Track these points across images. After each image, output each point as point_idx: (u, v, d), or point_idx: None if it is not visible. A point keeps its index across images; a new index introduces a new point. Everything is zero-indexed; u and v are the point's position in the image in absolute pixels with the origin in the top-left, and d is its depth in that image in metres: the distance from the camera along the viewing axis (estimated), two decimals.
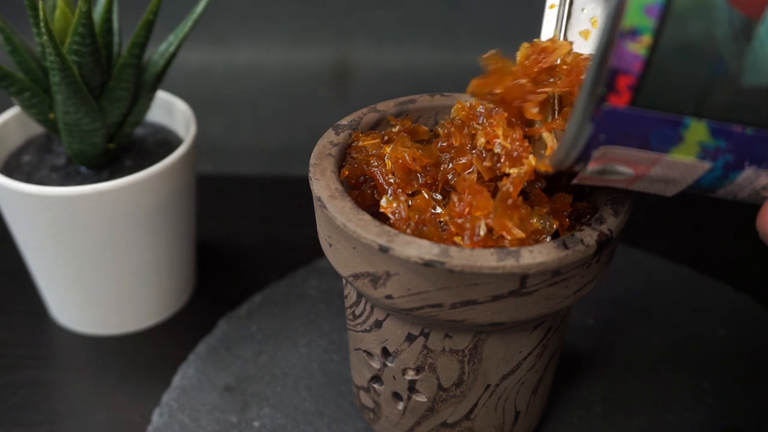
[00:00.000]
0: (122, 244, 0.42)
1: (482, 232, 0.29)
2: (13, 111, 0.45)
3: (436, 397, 0.34)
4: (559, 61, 0.33)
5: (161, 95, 0.47)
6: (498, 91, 0.30)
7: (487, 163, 0.30)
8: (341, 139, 0.34)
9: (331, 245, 0.31)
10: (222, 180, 0.59)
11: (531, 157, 0.29)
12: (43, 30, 0.36)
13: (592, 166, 0.25)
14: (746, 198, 0.27)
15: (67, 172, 0.43)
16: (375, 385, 0.36)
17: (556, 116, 0.30)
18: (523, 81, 0.30)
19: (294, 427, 0.39)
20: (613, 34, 0.22)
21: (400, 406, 0.35)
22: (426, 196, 0.31)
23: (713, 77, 0.23)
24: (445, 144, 0.33)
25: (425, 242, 0.28)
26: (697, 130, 0.24)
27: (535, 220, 0.30)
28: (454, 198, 0.30)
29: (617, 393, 0.41)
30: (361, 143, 0.34)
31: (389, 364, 0.34)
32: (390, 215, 0.30)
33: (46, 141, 0.45)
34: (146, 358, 0.44)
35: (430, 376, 0.33)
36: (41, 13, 0.36)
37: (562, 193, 0.31)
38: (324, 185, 0.31)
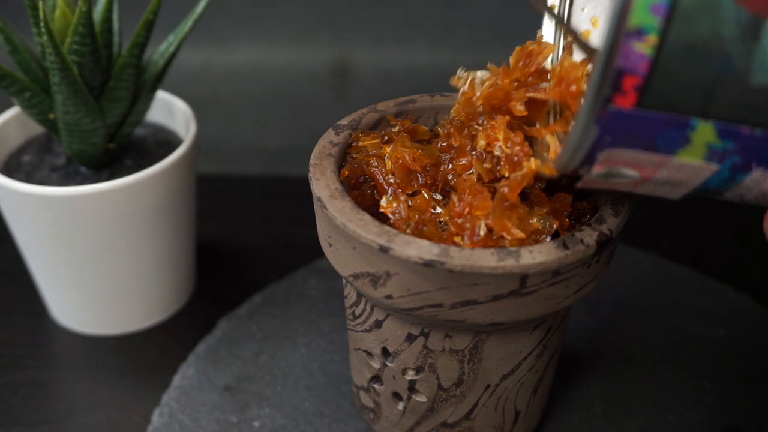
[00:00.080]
0: (122, 244, 0.42)
1: (482, 232, 0.29)
2: (13, 111, 0.45)
3: (436, 397, 0.34)
4: (550, 64, 0.33)
5: (161, 95, 0.47)
6: (478, 101, 0.30)
7: (487, 165, 0.30)
8: (341, 139, 0.34)
9: (331, 245, 0.31)
10: (222, 180, 0.59)
11: (532, 160, 0.29)
12: (43, 30, 0.36)
13: (596, 170, 0.25)
14: (753, 200, 0.27)
15: (67, 172, 0.43)
16: (375, 385, 0.36)
17: (557, 118, 0.30)
18: (500, 83, 0.30)
19: (294, 427, 0.39)
20: (619, 33, 0.21)
21: (400, 406, 0.35)
22: (426, 196, 0.31)
23: (720, 77, 0.22)
24: (445, 144, 0.33)
25: (425, 242, 0.28)
26: (705, 132, 0.23)
27: (534, 220, 0.30)
28: (454, 198, 0.30)
29: (617, 393, 0.41)
30: (361, 143, 0.34)
31: (389, 364, 0.34)
32: (390, 215, 0.30)
33: (46, 141, 0.45)
34: (146, 358, 0.44)
35: (430, 376, 0.33)
36: (41, 13, 0.36)
37: (562, 193, 0.31)
38: (324, 185, 0.31)
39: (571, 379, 0.42)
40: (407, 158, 0.32)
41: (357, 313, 0.34)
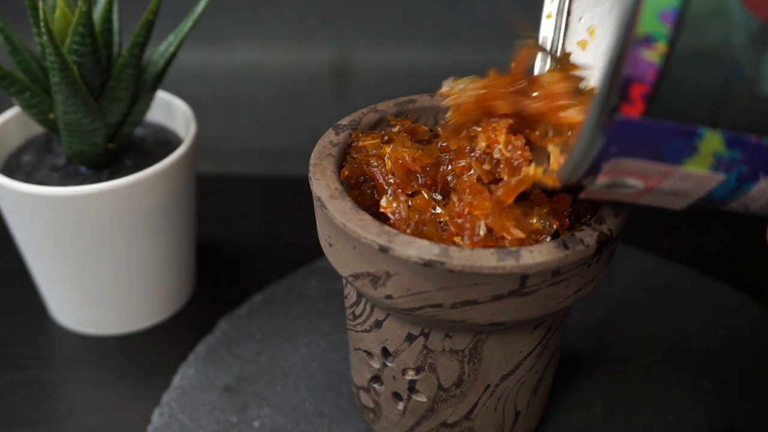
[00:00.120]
0: (122, 244, 0.42)
1: (482, 232, 0.29)
2: (13, 111, 0.45)
3: (436, 397, 0.34)
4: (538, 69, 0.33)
5: (161, 95, 0.47)
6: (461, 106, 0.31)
7: (486, 167, 0.30)
8: (341, 139, 0.34)
9: (331, 245, 0.31)
10: (222, 180, 0.59)
11: (532, 166, 0.29)
12: (43, 30, 0.36)
13: (601, 180, 0.25)
14: (758, 210, 0.26)
15: (67, 172, 0.43)
16: (375, 385, 0.36)
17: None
18: (483, 91, 0.30)
19: (294, 427, 0.39)
20: (627, 41, 0.21)
21: (400, 406, 0.35)
22: (426, 196, 0.31)
23: (730, 85, 0.22)
24: (444, 144, 0.33)
25: (425, 242, 0.28)
26: (712, 141, 0.23)
27: (534, 220, 0.30)
28: (454, 198, 0.30)
29: (617, 393, 0.41)
30: (361, 143, 0.34)
31: (389, 364, 0.34)
32: (390, 215, 0.30)
33: (46, 141, 0.45)
34: (146, 358, 0.44)
35: (430, 376, 0.33)
36: (41, 13, 0.36)
37: (562, 193, 0.31)
38: (324, 185, 0.31)
39: (571, 379, 0.42)
40: (407, 158, 0.32)
41: (357, 313, 0.34)
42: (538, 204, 0.31)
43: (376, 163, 0.32)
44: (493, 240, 0.29)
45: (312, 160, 0.33)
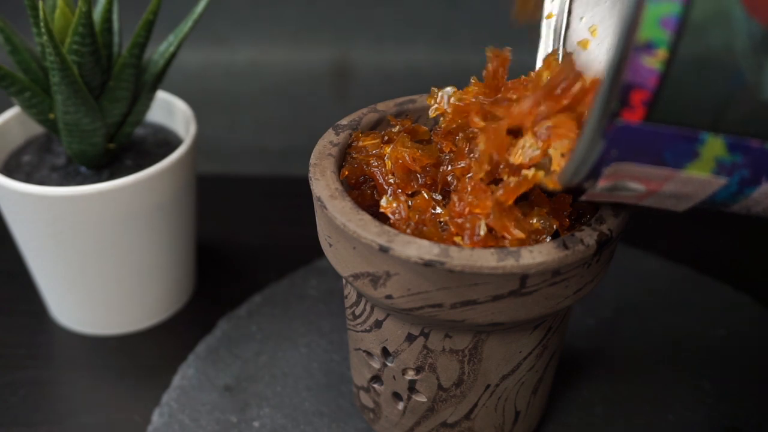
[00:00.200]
0: (122, 244, 0.42)
1: (482, 232, 0.29)
2: (13, 111, 0.45)
3: (436, 397, 0.34)
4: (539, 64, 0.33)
5: (161, 95, 0.47)
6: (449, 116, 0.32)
7: (486, 167, 0.30)
8: (341, 139, 0.34)
9: (331, 245, 0.31)
10: (222, 180, 0.59)
11: (532, 168, 0.29)
12: (43, 30, 0.36)
13: (602, 184, 0.25)
14: (760, 212, 0.26)
15: (67, 172, 0.43)
16: (375, 385, 0.36)
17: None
18: (458, 104, 0.31)
19: (294, 427, 0.39)
20: (627, 47, 0.21)
21: (400, 406, 0.35)
22: (426, 196, 0.31)
23: (731, 91, 0.22)
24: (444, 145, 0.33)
25: (425, 242, 0.28)
26: (714, 146, 0.23)
27: (534, 221, 0.30)
28: (454, 198, 0.30)
29: (617, 393, 0.41)
30: (361, 143, 0.34)
31: (389, 364, 0.34)
32: (390, 215, 0.30)
33: (46, 141, 0.45)
34: (146, 358, 0.44)
35: (430, 376, 0.33)
36: (41, 13, 0.36)
37: (562, 193, 0.31)
38: (324, 185, 0.31)
39: (571, 379, 0.42)
40: (407, 158, 0.32)
41: (357, 313, 0.34)
42: (538, 204, 0.31)
43: (376, 163, 0.32)
44: (493, 240, 0.29)
45: (312, 160, 0.33)
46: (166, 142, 0.46)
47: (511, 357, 0.33)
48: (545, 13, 0.34)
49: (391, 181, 0.32)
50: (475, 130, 0.32)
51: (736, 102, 0.22)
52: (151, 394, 0.41)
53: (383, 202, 0.31)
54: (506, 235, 0.29)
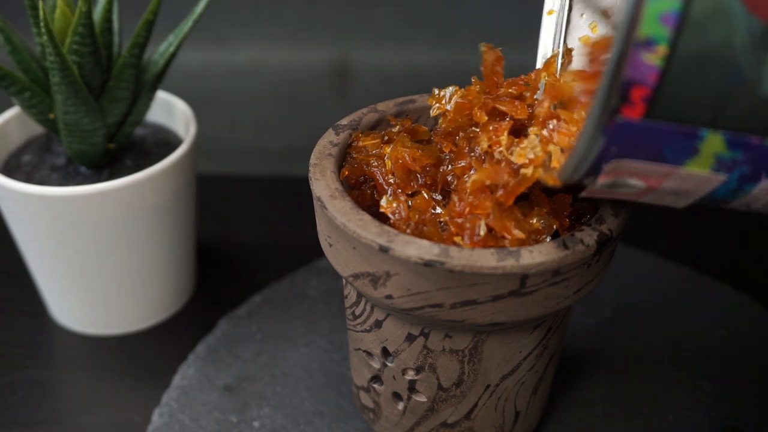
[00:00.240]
0: (122, 244, 0.42)
1: (482, 232, 0.29)
2: (13, 111, 0.45)
3: (436, 397, 0.34)
4: (540, 64, 0.33)
5: (161, 95, 0.47)
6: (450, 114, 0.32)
7: (486, 166, 0.30)
8: (341, 139, 0.34)
9: (331, 245, 0.31)
10: (222, 180, 0.59)
11: (531, 166, 0.29)
12: (43, 30, 0.36)
13: (602, 180, 0.25)
14: (760, 209, 0.26)
15: (67, 172, 0.43)
16: (375, 385, 0.36)
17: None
18: (461, 101, 0.31)
19: (294, 427, 0.39)
20: (627, 44, 0.21)
21: (400, 406, 0.35)
22: (426, 196, 0.31)
23: (731, 88, 0.22)
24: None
25: (425, 242, 0.28)
26: (714, 142, 0.23)
27: (534, 221, 0.30)
28: (455, 198, 0.30)
29: (617, 393, 0.41)
30: (361, 143, 0.34)
31: (389, 364, 0.34)
32: (390, 215, 0.30)
33: (46, 141, 0.45)
34: (146, 358, 0.44)
35: (430, 376, 0.33)
36: (41, 13, 0.36)
37: (562, 193, 0.31)
38: (324, 185, 0.31)
39: (571, 379, 0.42)
40: (407, 158, 0.32)
41: (357, 313, 0.34)
42: (538, 204, 0.31)
43: (376, 163, 0.32)
44: (493, 240, 0.29)
45: (312, 160, 0.33)
46: (166, 142, 0.46)
47: (511, 357, 0.33)
48: (546, 9, 0.34)
49: (391, 181, 0.32)
50: (476, 129, 0.32)
51: (736, 98, 0.22)
52: (151, 394, 0.41)
53: (383, 202, 0.31)
54: (506, 235, 0.29)
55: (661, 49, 0.21)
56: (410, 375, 0.34)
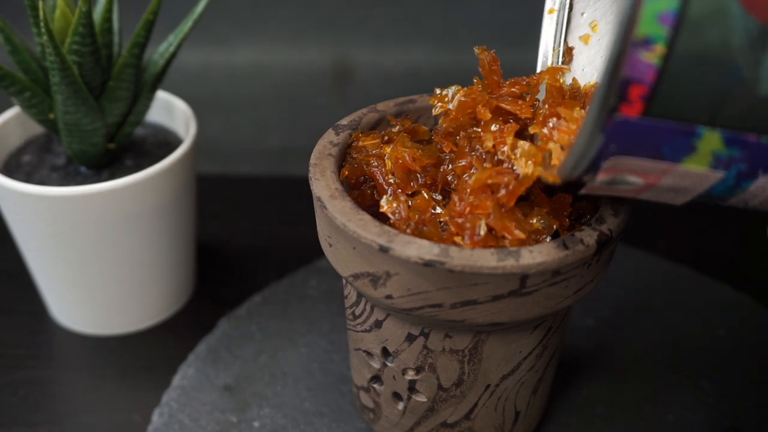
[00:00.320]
0: (122, 244, 0.42)
1: (482, 232, 0.29)
2: (13, 111, 0.45)
3: (436, 397, 0.34)
4: (541, 67, 0.33)
5: (161, 95, 0.47)
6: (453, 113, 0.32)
7: (487, 165, 0.31)
8: (341, 139, 0.34)
9: (331, 245, 0.31)
10: (222, 180, 0.59)
11: (530, 165, 0.29)
12: (43, 30, 0.36)
13: (601, 177, 0.25)
14: (757, 206, 0.26)
15: (67, 172, 0.43)
16: (375, 385, 0.36)
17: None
18: (464, 99, 0.31)
19: (294, 427, 0.39)
20: (626, 43, 0.21)
21: (400, 406, 0.35)
22: (426, 196, 0.31)
23: (728, 87, 0.22)
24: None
25: (425, 242, 0.28)
26: (711, 140, 0.23)
27: (535, 221, 0.30)
28: (455, 198, 0.30)
29: (617, 393, 0.41)
30: (361, 143, 0.34)
31: (389, 364, 0.34)
32: (390, 215, 0.30)
33: (46, 141, 0.45)
34: (146, 358, 0.44)
35: (430, 376, 0.33)
36: (41, 13, 0.36)
37: (562, 193, 0.31)
38: (324, 185, 0.31)
39: (571, 379, 0.42)
40: (407, 158, 0.32)
41: (357, 313, 0.34)
42: (538, 204, 0.31)
43: (376, 163, 0.32)
44: (493, 240, 0.29)
45: (312, 160, 0.33)
46: (166, 142, 0.46)
47: (511, 357, 0.33)
48: (546, 8, 0.34)
49: (391, 181, 0.32)
50: (477, 129, 0.32)
51: (733, 97, 0.22)
52: (151, 394, 0.41)
53: (383, 202, 0.31)
54: (506, 235, 0.29)
55: (659, 48, 0.21)
56: (410, 375, 0.34)
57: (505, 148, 0.30)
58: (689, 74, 0.22)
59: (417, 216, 0.30)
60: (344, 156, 0.34)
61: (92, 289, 0.43)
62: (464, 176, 0.31)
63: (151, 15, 0.41)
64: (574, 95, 0.32)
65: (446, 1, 0.70)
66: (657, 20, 0.21)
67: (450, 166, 0.32)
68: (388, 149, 0.33)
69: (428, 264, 0.28)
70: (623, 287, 0.48)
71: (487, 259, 0.27)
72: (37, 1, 0.38)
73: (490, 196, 0.29)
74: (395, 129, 0.35)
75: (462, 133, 0.32)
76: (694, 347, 0.44)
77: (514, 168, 0.29)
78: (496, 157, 0.31)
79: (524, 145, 0.29)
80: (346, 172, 0.33)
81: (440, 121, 0.33)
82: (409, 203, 0.31)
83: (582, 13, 0.34)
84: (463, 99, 0.32)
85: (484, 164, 0.31)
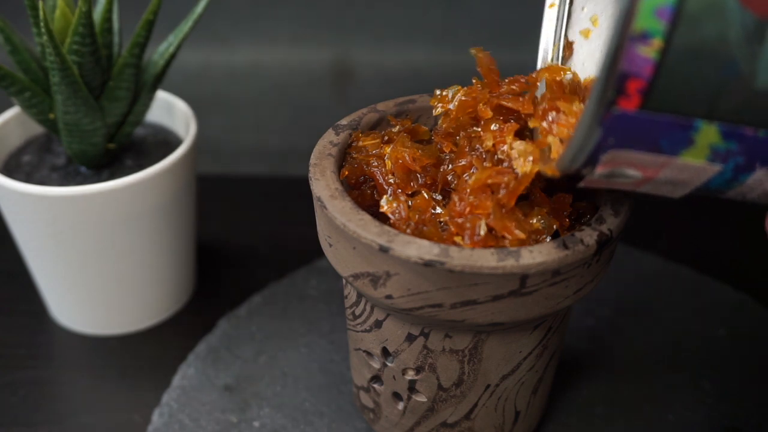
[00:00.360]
0: (122, 244, 0.42)
1: (482, 232, 0.29)
2: (13, 111, 0.45)
3: (436, 397, 0.34)
4: (541, 64, 0.33)
5: (161, 95, 0.47)
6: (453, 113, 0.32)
7: (487, 164, 0.31)
8: (341, 139, 0.34)
9: (331, 245, 0.31)
10: (222, 180, 0.59)
11: (529, 163, 0.29)
12: (43, 30, 0.36)
13: (599, 170, 0.25)
14: (755, 198, 0.27)
15: (67, 172, 0.43)
16: (375, 385, 0.36)
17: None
18: (464, 98, 0.32)
19: (294, 427, 0.39)
20: (623, 37, 0.21)
21: (400, 406, 0.35)
22: (426, 196, 0.31)
23: (726, 80, 0.22)
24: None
25: (425, 242, 0.28)
26: (708, 133, 0.23)
27: (535, 221, 0.30)
28: (455, 198, 0.30)
29: (617, 393, 0.41)
30: (361, 143, 0.34)
31: (389, 364, 0.34)
32: (390, 215, 0.30)
33: (46, 141, 0.45)
34: (146, 358, 0.44)
35: (430, 376, 0.33)
36: (41, 13, 0.36)
37: (562, 193, 0.31)
38: (324, 185, 0.31)
39: (571, 379, 0.42)
40: (407, 158, 0.32)
41: (357, 313, 0.34)
42: (538, 204, 0.31)
43: (376, 163, 0.32)
44: (493, 240, 0.29)
45: (312, 160, 0.33)
46: (166, 142, 0.46)
47: (511, 357, 0.33)
48: (547, 2, 0.34)
49: (391, 181, 0.32)
50: (477, 129, 0.32)
51: (731, 91, 0.22)
52: (151, 394, 0.41)
53: (383, 202, 0.31)
54: (506, 235, 0.29)
55: (657, 43, 0.21)
56: (410, 375, 0.34)
57: (505, 147, 0.30)
58: (686, 68, 0.22)
59: (417, 216, 0.30)
60: (344, 156, 0.34)
61: (92, 289, 0.43)
62: (464, 176, 0.31)
63: (151, 15, 0.41)
64: (574, 89, 0.32)
65: (446, 1, 0.70)
66: (654, 15, 0.21)
67: (450, 166, 0.32)
68: (388, 149, 0.33)
69: (428, 264, 0.28)
70: (623, 287, 0.48)
71: (487, 259, 0.27)
72: (37, 1, 0.38)
73: (490, 196, 0.29)
74: (395, 129, 0.35)
75: (462, 133, 0.32)
76: (694, 347, 0.44)
77: (514, 167, 0.29)
78: (496, 157, 0.31)
79: (520, 145, 0.29)
80: (346, 172, 0.33)
81: (440, 121, 0.33)
82: (409, 203, 0.31)
83: (582, 8, 0.34)
84: (463, 98, 0.32)
85: (484, 164, 0.31)
